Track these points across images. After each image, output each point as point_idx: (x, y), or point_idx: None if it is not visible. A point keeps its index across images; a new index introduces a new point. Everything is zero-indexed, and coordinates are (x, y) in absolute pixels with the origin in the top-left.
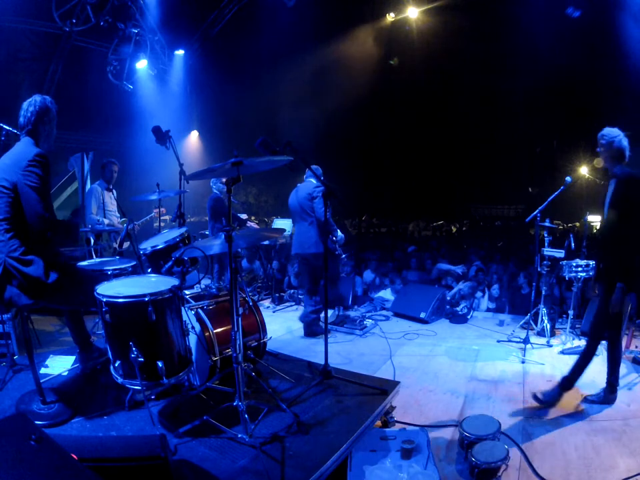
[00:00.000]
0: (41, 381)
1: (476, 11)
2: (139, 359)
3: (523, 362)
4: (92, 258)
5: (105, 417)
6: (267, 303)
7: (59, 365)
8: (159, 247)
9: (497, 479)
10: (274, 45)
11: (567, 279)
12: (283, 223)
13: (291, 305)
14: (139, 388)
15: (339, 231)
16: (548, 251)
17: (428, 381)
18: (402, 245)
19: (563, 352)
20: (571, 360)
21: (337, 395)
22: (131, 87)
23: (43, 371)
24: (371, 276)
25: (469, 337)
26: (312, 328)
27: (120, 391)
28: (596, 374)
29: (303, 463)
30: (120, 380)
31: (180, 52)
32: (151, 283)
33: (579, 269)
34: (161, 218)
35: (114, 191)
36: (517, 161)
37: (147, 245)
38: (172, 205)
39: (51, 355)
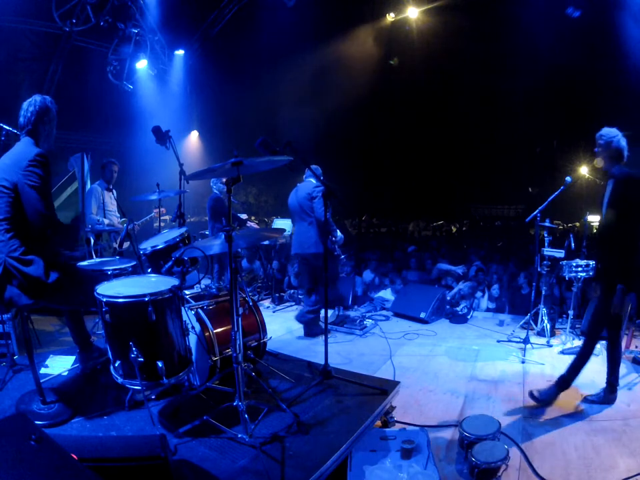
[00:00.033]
0: (41, 380)
1: (476, 10)
2: (139, 359)
3: (523, 362)
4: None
5: (105, 417)
6: (267, 303)
7: (59, 365)
8: (158, 247)
9: (497, 479)
10: (274, 45)
11: (567, 279)
12: (283, 223)
13: (291, 305)
14: (139, 388)
15: (338, 231)
16: (548, 251)
17: (428, 381)
18: (402, 244)
19: (563, 352)
20: (571, 360)
21: (336, 394)
22: (131, 86)
23: (43, 370)
24: (370, 276)
25: (469, 337)
26: (312, 328)
27: (120, 391)
28: (596, 374)
29: (302, 463)
30: (120, 380)
31: (180, 52)
32: (151, 283)
33: (579, 269)
34: (161, 218)
35: (114, 191)
36: (517, 161)
37: (147, 245)
38: (172, 204)
39: (51, 355)
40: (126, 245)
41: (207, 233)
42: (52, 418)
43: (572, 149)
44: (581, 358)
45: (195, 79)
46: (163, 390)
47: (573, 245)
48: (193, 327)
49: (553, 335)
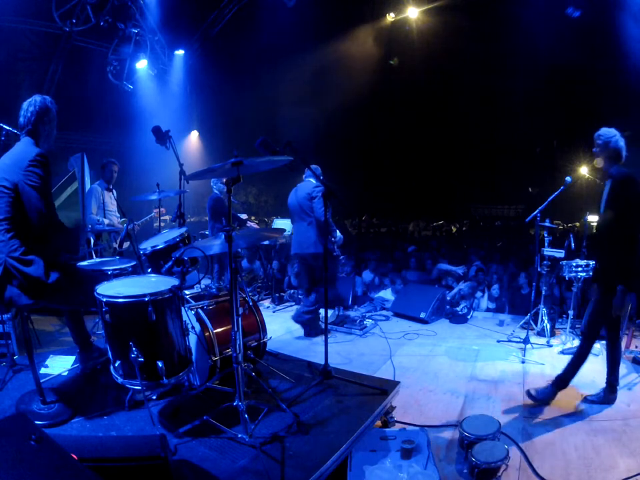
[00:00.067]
0: (41, 380)
1: (476, 10)
2: (139, 359)
3: (523, 362)
4: (92, 258)
5: (105, 417)
6: (267, 303)
7: (59, 365)
8: (159, 247)
9: (497, 479)
10: (274, 45)
11: (567, 279)
12: (283, 223)
13: (291, 305)
14: (139, 388)
15: (338, 231)
16: (548, 251)
17: (428, 381)
18: (402, 244)
19: (563, 352)
20: (569, 359)
21: (336, 394)
22: (131, 86)
23: (43, 371)
24: (370, 276)
25: (469, 337)
26: (310, 328)
27: (120, 391)
28: (596, 374)
29: (302, 462)
30: (120, 380)
31: (180, 52)
32: (151, 283)
33: (579, 268)
34: (161, 218)
35: (114, 191)
36: (517, 161)
37: (147, 245)
38: (172, 205)
39: (51, 355)
40: (126, 245)
41: (206, 233)
42: (52, 418)
43: (572, 149)
44: (579, 357)
45: (195, 78)
46: (163, 390)
47: (573, 244)
48: (192, 327)
49: (553, 335)
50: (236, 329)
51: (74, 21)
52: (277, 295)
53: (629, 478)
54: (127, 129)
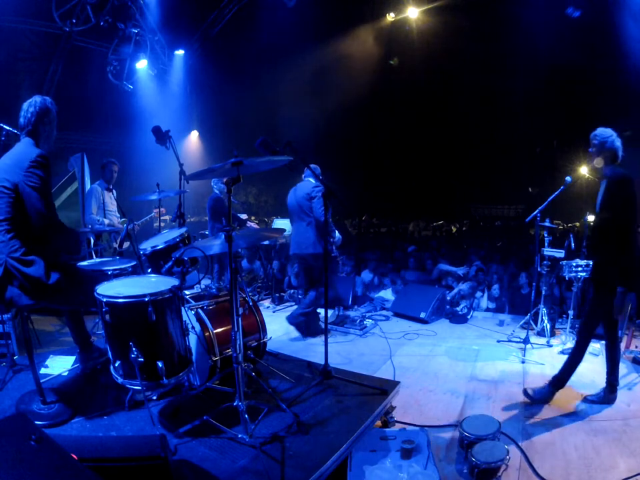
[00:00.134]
0: (41, 380)
1: (476, 10)
2: (139, 359)
3: (523, 362)
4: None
5: (105, 417)
6: (267, 303)
7: (59, 365)
8: (159, 247)
9: (497, 479)
10: (274, 45)
11: (567, 278)
12: (283, 223)
13: (291, 305)
14: (139, 388)
15: (337, 232)
16: (548, 251)
17: (428, 381)
18: (402, 245)
19: (563, 352)
20: (565, 359)
21: (336, 394)
22: (131, 87)
23: (43, 371)
24: (369, 276)
25: (469, 337)
26: (309, 328)
27: (120, 391)
28: (595, 374)
29: (302, 462)
30: (120, 380)
31: (180, 52)
32: (151, 283)
33: (579, 268)
34: (161, 218)
35: (114, 191)
36: (517, 161)
37: (147, 245)
38: (172, 205)
39: (51, 355)
40: (126, 245)
41: (206, 233)
42: (52, 418)
43: (572, 149)
44: (575, 357)
45: (195, 78)
46: (163, 390)
47: (573, 244)
48: (192, 327)
49: (553, 334)
50: (236, 329)
51: (74, 20)
52: (277, 295)
53: (629, 478)
54: (127, 128)
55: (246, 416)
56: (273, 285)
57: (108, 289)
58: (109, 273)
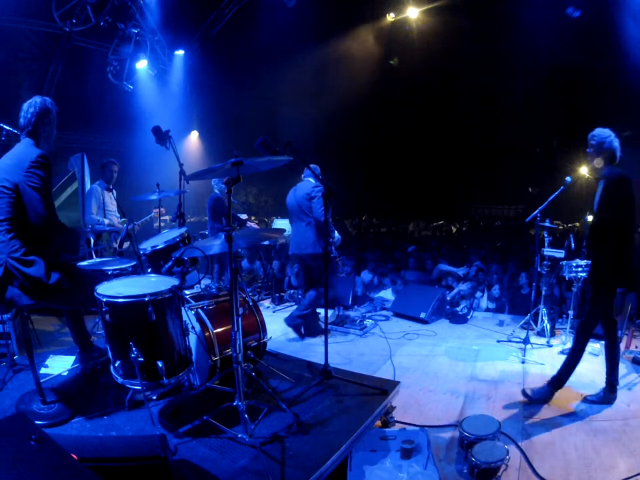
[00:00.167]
0: (41, 380)
1: (476, 10)
2: (139, 359)
3: (523, 362)
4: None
5: (105, 417)
6: (267, 303)
7: (59, 365)
8: (159, 247)
9: (497, 479)
10: (274, 45)
11: (567, 279)
12: (283, 223)
13: (291, 305)
14: (139, 388)
15: (336, 232)
16: (548, 251)
17: (428, 381)
18: (402, 245)
19: (562, 352)
20: (564, 359)
21: (337, 395)
22: (131, 87)
23: (43, 371)
24: (369, 276)
25: (469, 337)
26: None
27: (120, 391)
28: (595, 374)
29: (302, 462)
30: (120, 380)
31: (180, 52)
32: (151, 283)
33: (579, 269)
34: (161, 218)
35: (114, 191)
36: (517, 161)
37: (147, 245)
38: (172, 205)
39: (51, 355)
40: (126, 245)
41: (206, 233)
42: (52, 418)
43: (572, 149)
44: (573, 357)
45: (195, 78)
46: (163, 390)
47: (573, 245)
48: (193, 327)
49: (553, 335)
50: (236, 329)
51: (74, 21)
52: (277, 295)
53: (629, 478)
54: (127, 128)
55: (246, 416)
56: (272, 285)
57: (108, 289)
58: (109, 272)
